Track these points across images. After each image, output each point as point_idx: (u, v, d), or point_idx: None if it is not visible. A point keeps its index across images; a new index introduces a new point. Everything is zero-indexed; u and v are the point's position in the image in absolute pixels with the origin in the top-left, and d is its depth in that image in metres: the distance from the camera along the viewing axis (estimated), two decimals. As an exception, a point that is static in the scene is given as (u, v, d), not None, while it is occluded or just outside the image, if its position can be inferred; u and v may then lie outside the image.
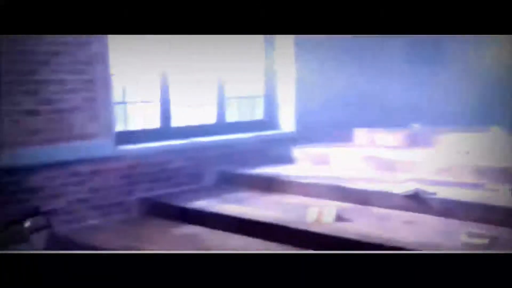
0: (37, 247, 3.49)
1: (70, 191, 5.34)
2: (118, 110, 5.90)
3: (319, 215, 4.86)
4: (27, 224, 3.33)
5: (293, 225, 4.77)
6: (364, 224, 4.72)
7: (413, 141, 6.73)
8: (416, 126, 7.03)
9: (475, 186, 5.20)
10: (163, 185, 6.08)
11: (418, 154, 6.20)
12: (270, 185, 6.01)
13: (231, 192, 6.01)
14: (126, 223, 5.62)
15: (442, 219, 4.77)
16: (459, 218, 4.67)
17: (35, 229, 3.42)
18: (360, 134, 7.07)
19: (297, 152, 6.78)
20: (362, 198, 5.32)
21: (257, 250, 4.52)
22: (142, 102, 6.28)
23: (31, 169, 5.02)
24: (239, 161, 6.57)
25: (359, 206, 5.24)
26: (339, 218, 4.86)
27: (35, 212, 3.45)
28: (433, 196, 4.96)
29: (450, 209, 4.80)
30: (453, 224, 4.62)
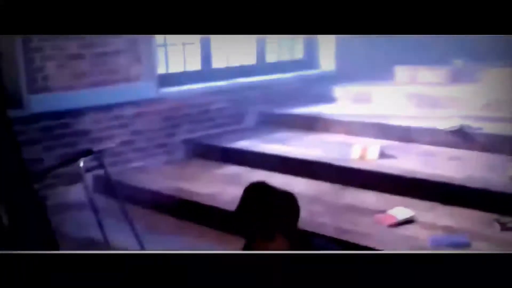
0: (89, 188, 3.59)
1: (114, 133, 5.43)
2: (159, 53, 5.92)
3: (362, 152, 4.86)
4: (81, 164, 3.41)
5: (337, 162, 4.79)
6: (409, 161, 4.71)
7: (456, 78, 6.60)
8: (459, 62, 6.88)
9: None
10: (205, 127, 6.14)
11: (461, 91, 6.09)
12: (312, 124, 6.01)
13: (272, 132, 6.04)
14: (170, 164, 5.72)
15: (488, 154, 4.73)
16: (506, 153, 4.61)
17: (89, 169, 3.50)
18: (401, 72, 6.96)
19: (337, 91, 6.74)
20: (406, 135, 5.29)
21: (300, 188, 4.57)
22: (183, 44, 6.26)
23: (76, 113, 5.12)
24: (279, 101, 6.57)
25: (403, 143, 5.22)
26: (383, 155, 4.85)
27: (88, 153, 3.53)
28: (479, 132, 4.90)
29: (496, 144, 4.74)
30: (499, 159, 4.56)
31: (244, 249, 2.15)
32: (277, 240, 1.90)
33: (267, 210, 1.89)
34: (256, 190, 1.95)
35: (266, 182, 1.97)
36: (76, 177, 4.54)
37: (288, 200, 1.97)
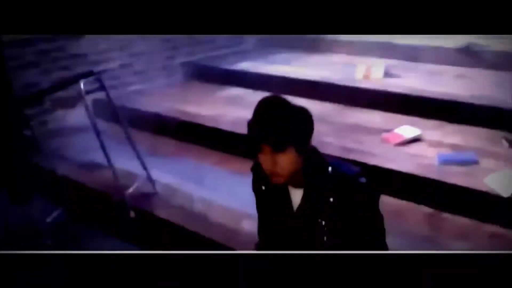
0: (91, 110, 3.50)
1: (112, 56, 5.30)
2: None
3: (367, 71, 4.76)
4: (81, 85, 3.31)
5: (341, 82, 4.70)
6: (414, 79, 4.62)
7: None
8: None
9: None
10: (205, 49, 6.01)
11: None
12: (314, 44, 5.87)
13: (274, 53, 5.91)
14: (171, 87, 5.62)
15: (495, 72, 4.63)
16: (513, 71, 4.53)
17: (89, 91, 3.40)
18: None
19: (340, 10, 6.55)
20: (411, 54, 5.18)
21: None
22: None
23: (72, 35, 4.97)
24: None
25: (408, 62, 5.11)
26: (388, 74, 4.76)
27: (88, 74, 3.42)
28: (486, 49, 4.78)
29: (503, 62, 4.64)
30: (507, 76, 4.47)
31: (253, 168, 2.10)
32: (288, 153, 1.85)
33: (281, 122, 1.83)
34: (271, 103, 1.88)
35: (281, 96, 1.90)
36: (75, 101, 4.48)
37: (303, 115, 1.90)
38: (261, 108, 1.87)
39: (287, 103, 1.88)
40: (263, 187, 2.08)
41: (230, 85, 5.41)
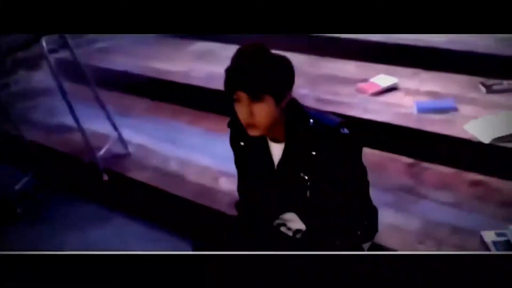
0: (54, 69, 3.34)
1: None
2: None
3: (340, 20, 4.65)
4: (44, 43, 3.14)
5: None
6: (388, 27, 4.52)
7: None
8: None
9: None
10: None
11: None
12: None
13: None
14: (139, 43, 5.43)
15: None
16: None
17: (53, 50, 3.24)
18: None
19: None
20: None
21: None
22: None
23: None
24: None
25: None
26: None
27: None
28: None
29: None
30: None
31: (230, 123, 2.01)
32: (265, 102, 1.76)
33: (258, 67, 1.76)
34: (250, 49, 1.80)
35: (261, 44, 1.81)
36: (38, 60, 4.31)
37: (282, 63, 1.83)
38: (240, 54, 1.79)
39: (267, 50, 1.81)
40: (242, 143, 1.99)
41: (201, 40, 5.25)
